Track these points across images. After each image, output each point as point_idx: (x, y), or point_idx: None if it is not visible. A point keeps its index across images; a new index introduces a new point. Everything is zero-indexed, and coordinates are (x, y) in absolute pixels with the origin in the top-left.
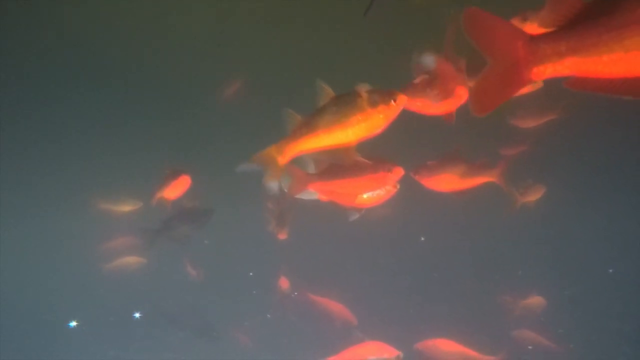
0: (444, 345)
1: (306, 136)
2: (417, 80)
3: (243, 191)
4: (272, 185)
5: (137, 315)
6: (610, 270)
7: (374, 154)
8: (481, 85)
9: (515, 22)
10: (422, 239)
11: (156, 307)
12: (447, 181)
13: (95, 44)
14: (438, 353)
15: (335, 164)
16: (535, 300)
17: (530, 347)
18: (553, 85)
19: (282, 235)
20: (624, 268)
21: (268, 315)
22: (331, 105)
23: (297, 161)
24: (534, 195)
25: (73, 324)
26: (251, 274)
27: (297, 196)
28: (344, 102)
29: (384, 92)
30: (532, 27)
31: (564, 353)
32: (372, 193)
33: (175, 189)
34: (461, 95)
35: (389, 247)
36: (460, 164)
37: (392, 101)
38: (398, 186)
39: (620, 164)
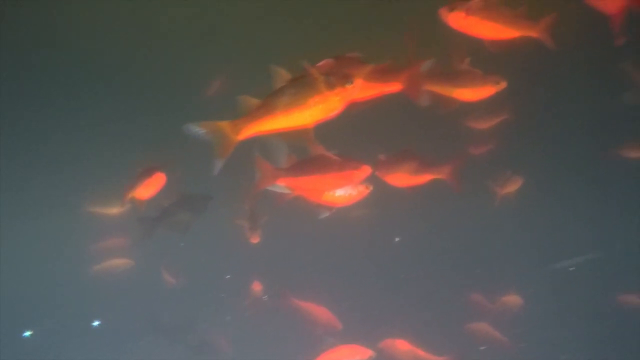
0: (399, 345)
1: (264, 117)
2: (319, 64)
3: (220, 191)
4: (218, 163)
5: (96, 323)
6: (571, 269)
7: (344, 153)
8: None
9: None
10: (397, 239)
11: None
12: (400, 178)
13: (78, 44)
14: (394, 353)
15: (304, 160)
16: (512, 299)
17: (482, 348)
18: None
19: (255, 239)
20: (585, 266)
21: (227, 318)
22: (289, 87)
23: (266, 155)
24: (512, 187)
25: (28, 333)
26: (228, 276)
27: (269, 188)
28: (301, 85)
29: (340, 75)
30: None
31: (515, 351)
32: (343, 192)
33: (149, 188)
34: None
35: (363, 248)
36: (413, 161)
37: (349, 84)
38: (371, 187)
39: (581, 167)
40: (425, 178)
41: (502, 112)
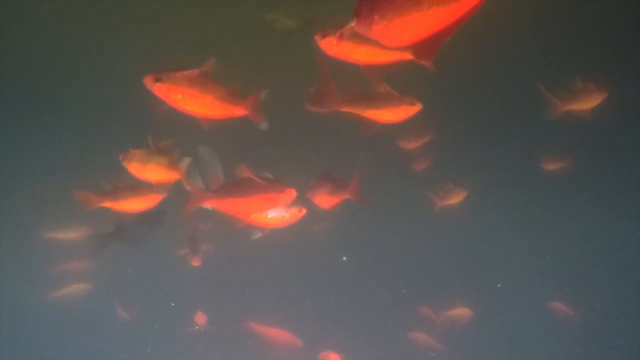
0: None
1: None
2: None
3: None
4: None
5: None
6: (499, 285)
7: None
8: None
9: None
10: (344, 258)
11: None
12: (322, 200)
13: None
14: None
15: (231, 182)
16: (460, 312)
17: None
18: (428, 108)
19: (195, 262)
20: (511, 283)
21: (148, 350)
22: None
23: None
24: (454, 199)
25: None
26: (173, 304)
27: (203, 206)
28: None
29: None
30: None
31: None
32: (276, 214)
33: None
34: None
35: (310, 268)
36: (329, 184)
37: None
38: (304, 210)
39: (511, 188)
40: (338, 198)
41: (428, 132)
